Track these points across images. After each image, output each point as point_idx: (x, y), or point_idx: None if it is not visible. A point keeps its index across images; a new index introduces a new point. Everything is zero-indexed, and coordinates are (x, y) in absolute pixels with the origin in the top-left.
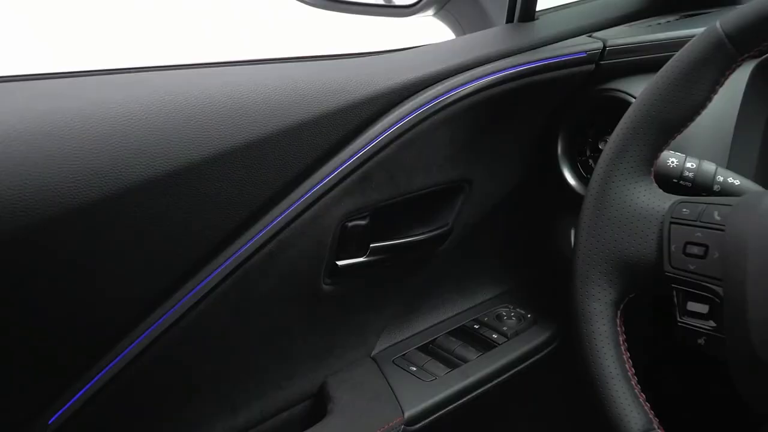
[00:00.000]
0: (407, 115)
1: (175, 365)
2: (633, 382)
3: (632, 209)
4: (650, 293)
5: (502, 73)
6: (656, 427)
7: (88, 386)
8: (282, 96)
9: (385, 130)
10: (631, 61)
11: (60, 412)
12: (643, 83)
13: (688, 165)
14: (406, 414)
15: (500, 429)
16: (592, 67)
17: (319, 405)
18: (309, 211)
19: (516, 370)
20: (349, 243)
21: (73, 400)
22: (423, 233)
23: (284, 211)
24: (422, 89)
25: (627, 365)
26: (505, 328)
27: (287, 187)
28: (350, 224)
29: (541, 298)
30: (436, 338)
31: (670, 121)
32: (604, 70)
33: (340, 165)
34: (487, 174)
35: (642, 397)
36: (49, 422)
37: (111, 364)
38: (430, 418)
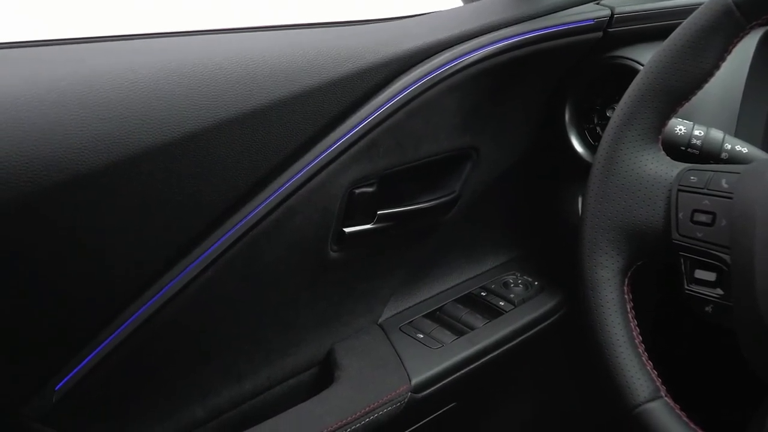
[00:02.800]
0: (415, 82)
1: (182, 332)
2: (641, 350)
3: (640, 177)
4: (658, 261)
5: (510, 40)
6: (663, 394)
7: (94, 353)
8: (290, 63)
9: (392, 97)
10: (638, 28)
11: (66, 378)
12: (651, 51)
13: (696, 133)
14: (413, 381)
15: (507, 397)
16: (599, 34)
17: (326, 372)
18: (316, 178)
19: (523, 337)
20: (356, 210)
21: (79, 367)
22: (430, 201)
23: (291, 178)
24: (430, 56)
25: (634, 333)
26: (512, 296)
27: (295, 154)
28: (357, 191)
29: (549, 265)
30: (443, 305)
31: (678, 89)
32: (611, 38)
33: (348, 132)
34: (494, 142)
35: (649, 365)
36: (56, 388)
37: (117, 331)
38: (437, 386)
